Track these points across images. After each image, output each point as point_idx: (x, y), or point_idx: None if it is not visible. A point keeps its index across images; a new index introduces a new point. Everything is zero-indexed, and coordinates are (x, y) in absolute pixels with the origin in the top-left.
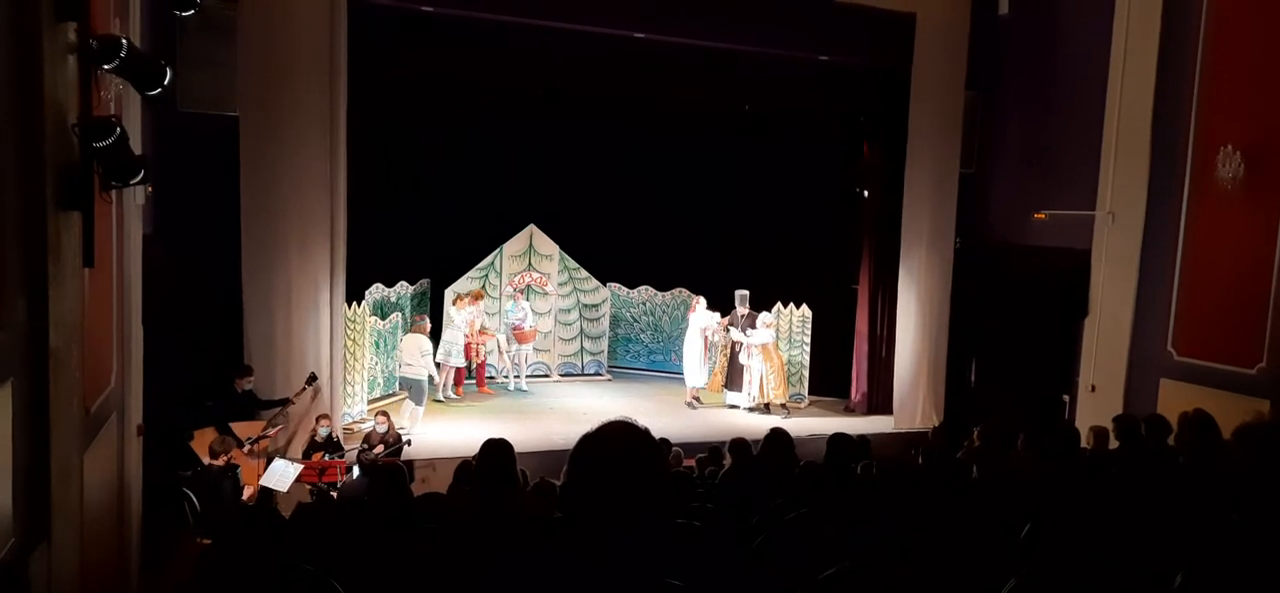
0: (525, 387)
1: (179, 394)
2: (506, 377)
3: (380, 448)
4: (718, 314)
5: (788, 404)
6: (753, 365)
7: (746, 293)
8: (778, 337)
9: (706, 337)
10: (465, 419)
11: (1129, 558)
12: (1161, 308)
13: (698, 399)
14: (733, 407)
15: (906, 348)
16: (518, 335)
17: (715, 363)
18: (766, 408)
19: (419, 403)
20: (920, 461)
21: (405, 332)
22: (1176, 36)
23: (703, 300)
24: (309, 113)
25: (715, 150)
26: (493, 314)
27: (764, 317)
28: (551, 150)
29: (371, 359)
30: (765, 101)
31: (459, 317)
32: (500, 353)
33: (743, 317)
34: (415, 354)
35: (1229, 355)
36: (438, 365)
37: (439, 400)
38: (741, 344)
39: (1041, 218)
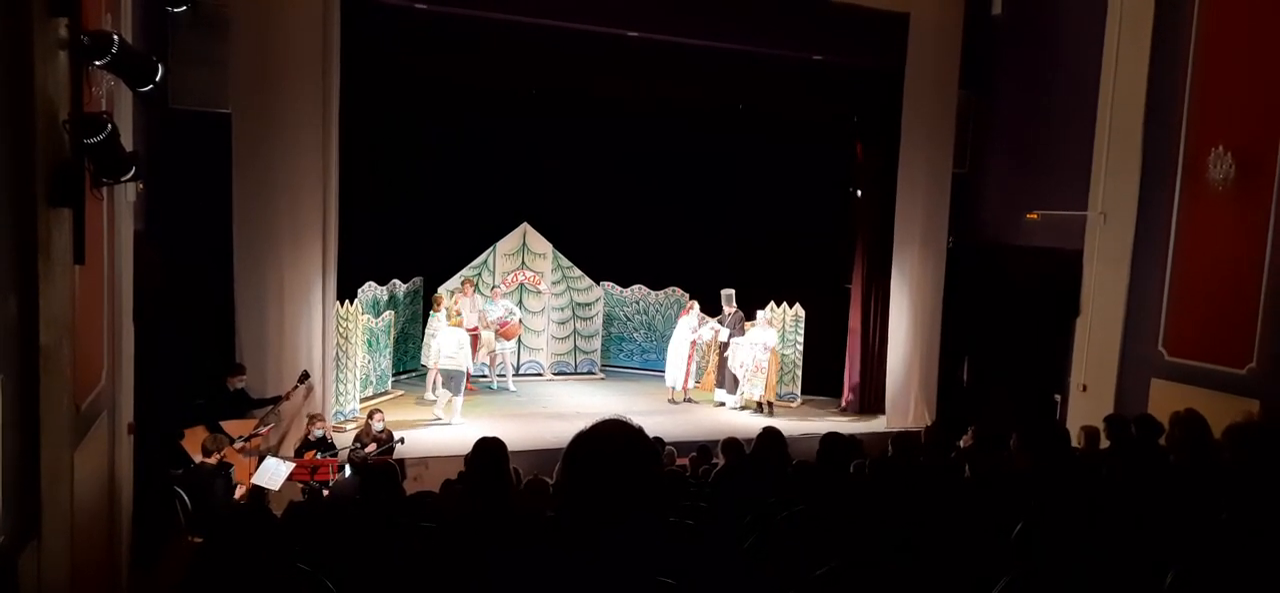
0: (511, 386)
1: (170, 392)
2: (490, 376)
3: (372, 446)
4: (711, 320)
5: (774, 403)
6: (744, 363)
7: (732, 292)
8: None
9: (694, 342)
10: (458, 418)
11: (1120, 557)
12: (1152, 308)
13: (677, 399)
14: (721, 404)
15: (899, 348)
16: (503, 331)
17: (702, 362)
18: (759, 407)
19: (457, 393)
20: (890, 450)
21: (402, 326)
22: (1168, 37)
23: (696, 305)
24: (302, 110)
25: (708, 150)
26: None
27: (762, 315)
28: (544, 149)
29: (364, 357)
30: (758, 101)
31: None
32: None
33: (729, 316)
34: (454, 346)
35: (1219, 356)
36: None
37: (431, 399)
38: (728, 343)
39: (1034, 218)
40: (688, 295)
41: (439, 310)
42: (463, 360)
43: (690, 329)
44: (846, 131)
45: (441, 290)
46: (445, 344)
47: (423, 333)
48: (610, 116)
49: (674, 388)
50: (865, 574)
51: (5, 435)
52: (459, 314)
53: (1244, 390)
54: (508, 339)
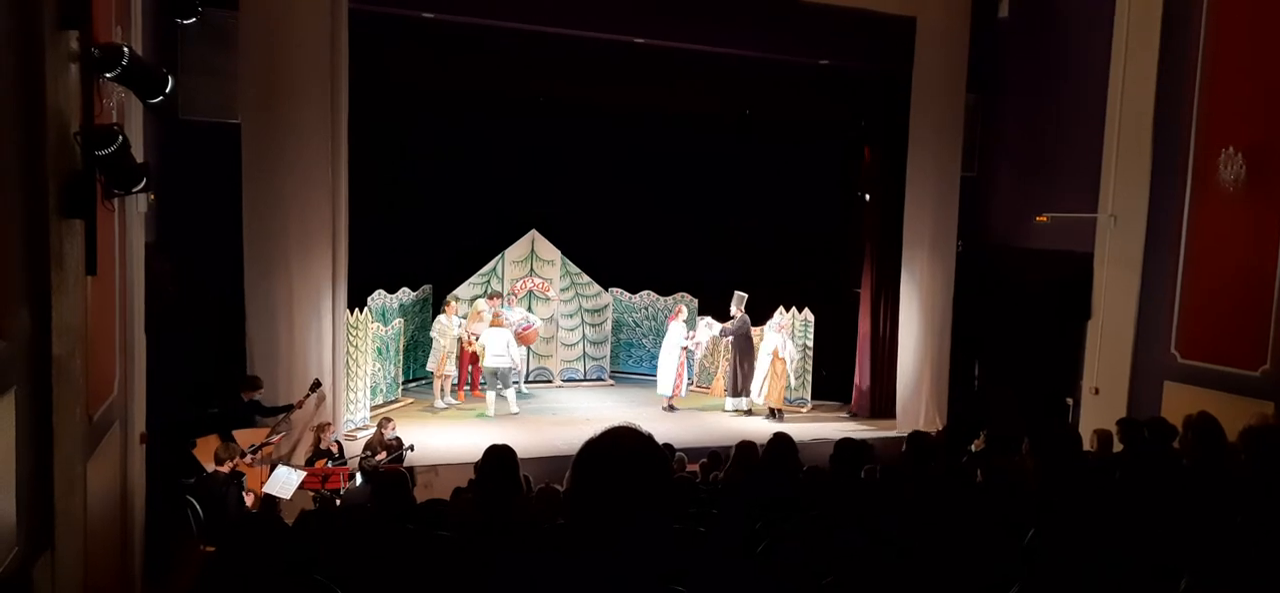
0: (523, 389)
1: (182, 402)
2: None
3: (383, 454)
4: (713, 323)
5: (784, 408)
6: (760, 366)
7: (744, 295)
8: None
9: (685, 348)
10: (467, 425)
11: (1133, 562)
12: (1164, 311)
13: (672, 406)
14: (732, 411)
15: (909, 352)
16: (522, 337)
17: (711, 367)
18: (771, 412)
19: (507, 386)
20: (904, 448)
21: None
22: (1177, 37)
23: (685, 308)
24: (310, 120)
25: (717, 155)
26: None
27: (778, 321)
28: (553, 155)
29: (374, 365)
30: (766, 106)
31: (474, 325)
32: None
33: (736, 319)
34: (501, 345)
35: (1232, 358)
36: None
37: (440, 407)
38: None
39: (1043, 221)
40: (693, 300)
41: (452, 315)
42: (507, 358)
43: (681, 335)
44: (854, 136)
45: (452, 296)
46: (493, 343)
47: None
48: (617, 122)
49: (666, 396)
50: (877, 580)
51: (19, 446)
52: (499, 315)
53: (1258, 393)
54: (526, 344)
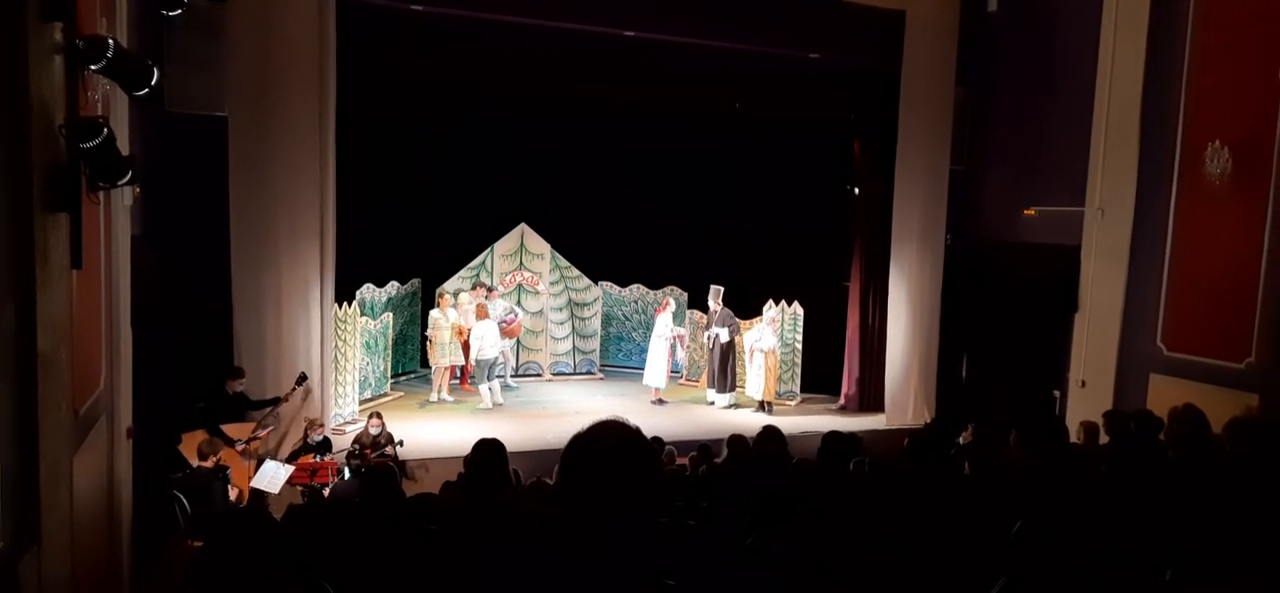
0: (512, 383)
1: (169, 396)
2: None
3: (371, 449)
4: (713, 325)
5: (773, 402)
6: (753, 361)
7: (721, 289)
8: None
9: (672, 341)
10: (457, 419)
11: (1119, 553)
12: (1151, 303)
13: (661, 399)
14: (712, 404)
15: (898, 345)
16: (506, 330)
17: (680, 365)
18: (761, 405)
19: (493, 378)
20: (907, 443)
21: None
22: (1165, 32)
23: (672, 302)
24: (298, 113)
25: (706, 149)
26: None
27: (769, 315)
28: (542, 149)
29: (362, 359)
30: (755, 100)
31: (473, 320)
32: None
33: (717, 313)
34: (494, 337)
35: (1218, 350)
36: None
37: (433, 401)
38: (731, 342)
39: (1031, 214)
40: (682, 293)
41: (445, 309)
42: (497, 349)
43: (668, 327)
44: (844, 129)
45: (444, 289)
46: (486, 335)
47: (421, 335)
48: (607, 116)
49: (657, 388)
50: (865, 572)
51: (4, 441)
52: (484, 307)
53: (1242, 385)
54: (509, 338)
